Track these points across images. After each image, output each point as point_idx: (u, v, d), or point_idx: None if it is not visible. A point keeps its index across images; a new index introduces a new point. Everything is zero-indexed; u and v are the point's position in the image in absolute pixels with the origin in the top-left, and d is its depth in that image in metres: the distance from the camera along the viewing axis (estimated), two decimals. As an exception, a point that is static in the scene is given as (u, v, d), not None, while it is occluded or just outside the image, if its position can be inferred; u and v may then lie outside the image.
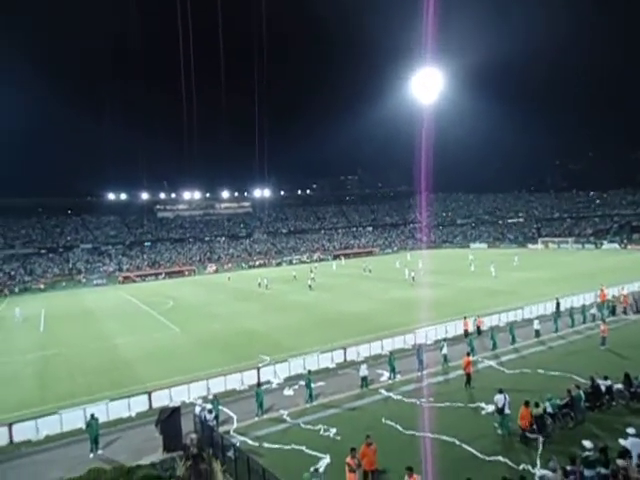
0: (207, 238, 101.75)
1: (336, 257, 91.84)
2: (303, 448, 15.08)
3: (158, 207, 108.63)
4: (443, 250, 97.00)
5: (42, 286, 71.84)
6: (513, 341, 25.24)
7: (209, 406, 17.35)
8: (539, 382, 19.13)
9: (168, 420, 15.78)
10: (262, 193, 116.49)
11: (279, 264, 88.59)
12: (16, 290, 69.92)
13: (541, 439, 14.42)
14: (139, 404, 19.37)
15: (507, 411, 15.18)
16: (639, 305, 30.91)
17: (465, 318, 27.94)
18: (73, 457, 15.85)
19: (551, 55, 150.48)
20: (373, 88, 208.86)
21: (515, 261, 62.74)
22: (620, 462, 10.96)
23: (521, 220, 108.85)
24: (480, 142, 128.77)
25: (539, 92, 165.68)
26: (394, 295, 42.99)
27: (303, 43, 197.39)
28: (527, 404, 14.82)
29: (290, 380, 21.86)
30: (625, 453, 11.46)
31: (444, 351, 22.67)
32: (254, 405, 18.31)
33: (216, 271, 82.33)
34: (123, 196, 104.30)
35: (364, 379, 20.33)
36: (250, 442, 15.95)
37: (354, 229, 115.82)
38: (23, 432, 17.34)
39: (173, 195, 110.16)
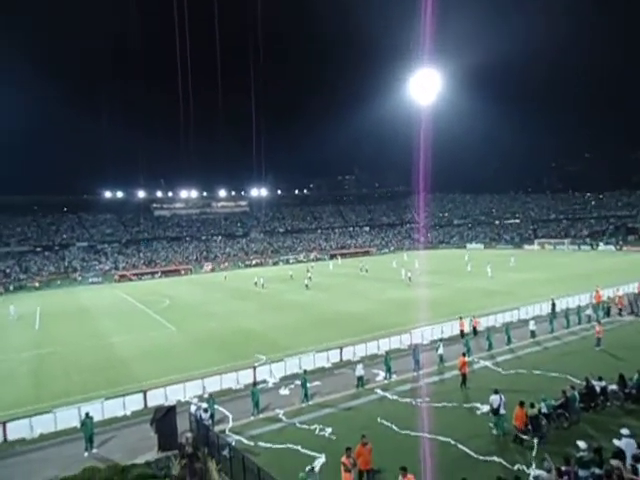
0: (204, 237, 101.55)
1: (333, 257, 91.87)
2: (298, 447, 15.09)
3: (155, 205, 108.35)
4: (440, 250, 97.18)
5: (37, 284, 71.53)
6: (509, 342, 25.31)
7: (205, 405, 17.33)
8: (534, 383, 19.19)
9: (163, 419, 15.75)
10: (259, 192, 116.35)
11: (276, 263, 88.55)
12: (11, 288, 69.59)
13: (536, 439, 14.48)
14: (134, 403, 19.33)
15: (502, 411, 15.23)
16: (634, 307, 31.05)
17: (461, 318, 28.00)
18: (68, 456, 15.80)
19: (549, 55, 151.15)
20: (371, 88, 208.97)
21: (511, 262, 62.93)
22: (614, 462, 11.00)
23: (517, 221, 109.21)
24: (477, 143, 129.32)
25: (536, 93, 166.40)
26: (390, 295, 43.04)
27: (301, 43, 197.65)
28: (522, 404, 14.87)
29: (286, 379, 21.86)
30: (619, 454, 11.51)
31: (440, 351, 22.73)
32: (250, 404, 18.30)
33: (212, 270, 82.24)
34: (120, 194, 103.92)
35: (360, 379, 20.35)
36: (245, 441, 15.94)
37: (351, 229, 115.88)
38: (17, 430, 17.28)
39: (170, 194, 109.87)
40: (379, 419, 16.75)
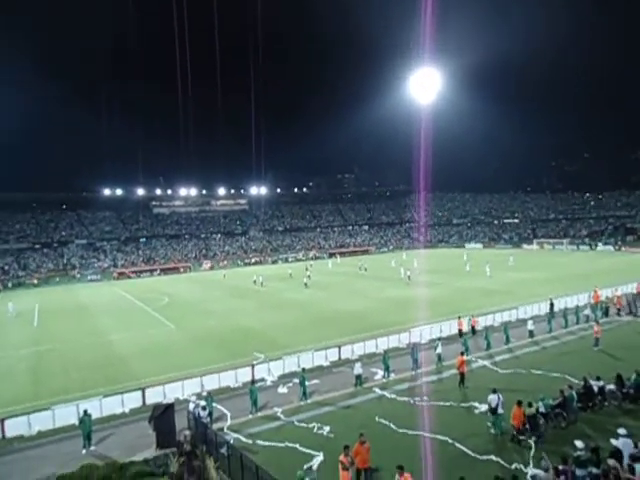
0: (203, 235, 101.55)
1: (332, 255, 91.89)
2: (297, 446, 15.11)
3: (154, 203, 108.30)
4: (439, 250, 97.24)
5: (36, 281, 71.46)
6: (507, 341, 25.35)
7: (203, 403, 17.33)
8: (532, 382, 19.23)
9: (162, 417, 15.76)
10: (258, 190, 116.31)
11: (275, 262, 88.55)
12: (9, 285, 69.52)
13: (533, 439, 14.52)
14: (133, 400, 19.34)
15: (500, 411, 15.26)
16: (632, 307, 31.11)
17: (459, 318, 28.04)
18: (66, 453, 15.81)
19: (549, 55, 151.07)
20: (371, 87, 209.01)
21: (510, 261, 63.00)
22: (611, 462, 11.03)
23: (517, 221, 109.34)
24: (477, 142, 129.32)
25: (536, 93, 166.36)
26: (389, 294, 43.07)
27: (300, 42, 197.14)
28: (519, 404, 14.90)
29: (284, 378, 21.87)
30: (616, 453, 11.55)
31: (438, 350, 22.75)
32: (248, 402, 18.31)
33: (211, 268, 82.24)
34: (119, 192, 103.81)
35: (358, 377, 20.37)
36: (244, 439, 15.96)
37: (350, 227, 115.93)
38: (16, 427, 17.28)
39: (169, 191, 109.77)
40: (377, 418, 16.77)
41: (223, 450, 13.89)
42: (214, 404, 18.19)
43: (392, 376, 21.24)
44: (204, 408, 16.85)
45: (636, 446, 11.80)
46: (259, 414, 18.07)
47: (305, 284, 50.78)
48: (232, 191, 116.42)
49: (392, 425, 16.13)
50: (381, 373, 21.47)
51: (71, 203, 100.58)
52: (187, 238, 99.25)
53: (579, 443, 11.89)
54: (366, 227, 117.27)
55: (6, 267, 75.79)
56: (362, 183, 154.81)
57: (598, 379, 17.03)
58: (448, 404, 17.78)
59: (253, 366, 22.23)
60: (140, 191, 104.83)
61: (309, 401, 19.02)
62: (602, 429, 14.78)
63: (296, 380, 20.20)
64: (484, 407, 16.48)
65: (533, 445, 14.23)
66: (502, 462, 13.42)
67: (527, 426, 14.75)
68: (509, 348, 24.72)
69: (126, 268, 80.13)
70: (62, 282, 72.12)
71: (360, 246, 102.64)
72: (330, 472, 12.98)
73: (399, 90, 66.28)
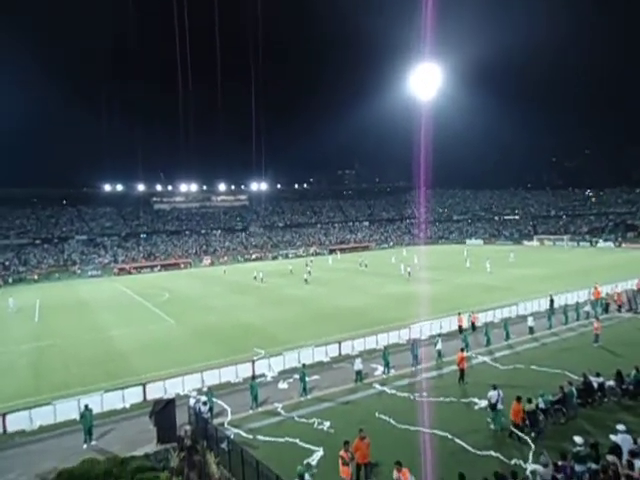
0: (203, 231, 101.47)
1: (332, 251, 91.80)
2: (297, 441, 15.16)
3: (154, 199, 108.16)
4: (439, 246, 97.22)
5: (36, 277, 71.50)
6: (507, 337, 25.39)
7: (203, 398, 17.39)
8: (532, 378, 19.27)
9: (162, 412, 15.80)
10: (259, 186, 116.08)
11: (275, 258, 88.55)
12: (10, 280, 69.53)
13: (533, 434, 14.56)
14: (133, 395, 19.40)
15: (500, 407, 15.30)
16: (632, 303, 31.13)
17: (459, 314, 28.07)
18: (67, 448, 15.87)
19: (550, 53, 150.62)
20: (371, 83, 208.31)
21: (510, 258, 62.98)
22: (610, 458, 11.07)
23: (517, 217, 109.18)
24: (477, 139, 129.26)
25: (538, 89, 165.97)
26: (390, 290, 43.10)
27: (301, 38, 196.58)
28: (519, 400, 14.94)
29: (285, 373, 21.93)
30: (615, 449, 11.59)
31: (438, 346, 22.80)
32: (248, 398, 18.37)
33: (212, 264, 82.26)
34: (119, 187, 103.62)
35: (358, 373, 20.42)
36: (244, 434, 16.02)
37: (350, 224, 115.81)
38: (17, 422, 17.36)
39: (170, 187, 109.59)
40: (377, 413, 16.82)
41: (224, 445, 13.93)
42: (214, 399, 18.25)
43: (392, 372, 21.30)
44: (205, 403, 16.91)
45: (635, 442, 11.84)
46: (259, 409, 18.13)
47: (305, 280, 50.81)
48: (232, 187, 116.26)
49: (392, 421, 16.18)
50: (381, 369, 21.52)
51: (72, 199, 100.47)
52: (187, 234, 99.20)
53: (578, 439, 11.93)
54: (366, 223, 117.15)
55: (7, 263, 75.83)
56: (363, 179, 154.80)
57: (598, 375, 17.08)
58: (448, 400, 17.82)
59: (253, 362, 22.28)
60: (141, 187, 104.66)
61: (309, 397, 19.08)
62: (601, 425, 14.82)
63: (296, 376, 20.25)
64: (484, 403, 16.53)
65: (533, 441, 14.28)
66: (502, 457, 13.47)
67: (527, 422, 14.80)
68: (509, 344, 24.76)
69: (126, 264, 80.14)
70: (63, 278, 72.17)
71: (360, 242, 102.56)
72: (330, 467, 13.04)
73: (399, 86, 66.21)
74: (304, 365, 20.75)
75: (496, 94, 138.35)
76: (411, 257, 69.29)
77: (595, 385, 16.77)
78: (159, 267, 78.98)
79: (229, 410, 18.21)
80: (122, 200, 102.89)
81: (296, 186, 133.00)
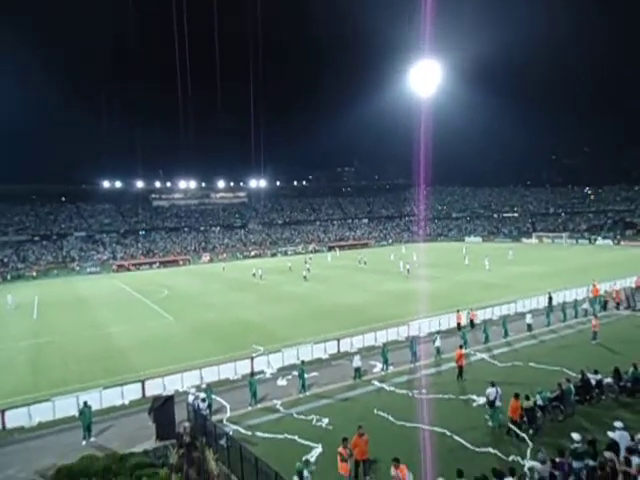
0: (202, 228, 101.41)
1: (331, 249, 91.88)
2: (295, 437, 15.20)
3: (153, 196, 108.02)
4: (438, 243, 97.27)
5: (35, 273, 71.44)
6: (505, 334, 25.43)
7: (202, 395, 17.39)
8: (530, 375, 19.32)
9: (161, 408, 15.83)
10: (258, 183, 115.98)
11: (274, 255, 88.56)
12: (8, 277, 69.47)
13: (531, 431, 14.61)
14: (132, 392, 19.42)
15: (498, 404, 15.34)
16: (631, 301, 31.19)
17: (458, 311, 28.11)
18: (66, 444, 15.89)
19: (550, 52, 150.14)
20: (371, 80, 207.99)
21: (509, 255, 63.08)
22: (607, 454, 11.11)
23: (516, 214, 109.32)
24: (477, 136, 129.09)
25: (538, 88, 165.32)
26: (389, 287, 43.14)
27: (300, 34, 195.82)
28: (517, 396, 14.98)
29: (283, 370, 21.96)
30: (613, 446, 11.63)
31: (437, 343, 22.83)
32: (247, 394, 18.40)
33: (210, 261, 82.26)
34: (118, 184, 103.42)
35: (357, 370, 20.45)
36: (243, 431, 16.05)
37: (350, 221, 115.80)
38: (16, 418, 17.37)
39: (168, 184, 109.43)
40: (376, 410, 16.85)
41: (222, 442, 13.96)
42: (213, 396, 18.26)
43: (391, 369, 21.33)
44: (203, 400, 16.92)
45: (632, 439, 11.90)
46: (258, 406, 18.16)
47: (304, 277, 50.83)
48: (232, 184, 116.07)
49: (390, 417, 16.22)
50: (380, 366, 21.55)
51: (70, 195, 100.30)
52: (186, 231, 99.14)
53: (576, 435, 11.98)
54: (366, 220, 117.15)
55: (5, 259, 75.74)
56: (362, 176, 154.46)
57: (596, 372, 17.13)
58: (446, 397, 17.87)
59: (252, 358, 22.30)
60: (139, 184, 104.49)
61: (308, 393, 19.11)
62: (599, 422, 14.87)
63: (295, 372, 20.28)
64: (482, 400, 16.56)
65: (530, 438, 14.32)
66: (499, 454, 13.51)
67: (525, 419, 14.85)
68: (507, 341, 24.81)
69: (125, 261, 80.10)
70: (61, 274, 72.14)
71: (359, 239, 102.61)
72: (329, 464, 13.07)
73: (399, 83, 66.00)
74: (303, 362, 20.76)
75: (496, 92, 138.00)
76: (410, 254, 69.34)
77: (593, 382, 16.82)
78: (158, 264, 78.97)
79: (228, 407, 18.24)
80: (121, 197, 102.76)
81: (295, 183, 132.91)
